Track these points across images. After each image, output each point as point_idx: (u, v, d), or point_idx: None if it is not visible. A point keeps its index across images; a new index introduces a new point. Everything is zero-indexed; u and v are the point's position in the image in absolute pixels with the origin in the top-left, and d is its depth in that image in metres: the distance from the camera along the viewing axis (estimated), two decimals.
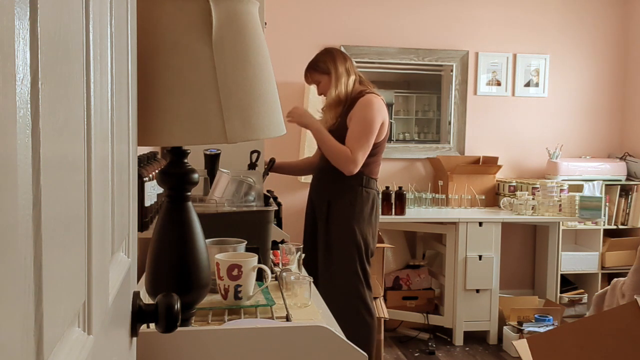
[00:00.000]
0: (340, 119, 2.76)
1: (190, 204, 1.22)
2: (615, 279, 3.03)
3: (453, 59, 4.61)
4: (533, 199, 4.17)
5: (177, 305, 0.81)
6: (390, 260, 4.15)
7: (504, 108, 4.74)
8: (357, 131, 2.69)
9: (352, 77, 2.77)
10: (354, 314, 2.74)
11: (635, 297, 1.78)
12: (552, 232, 4.34)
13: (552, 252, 4.35)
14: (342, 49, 4.43)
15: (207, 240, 1.32)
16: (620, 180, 4.56)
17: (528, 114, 4.77)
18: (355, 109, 2.71)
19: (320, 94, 2.89)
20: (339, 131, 2.75)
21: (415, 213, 4.08)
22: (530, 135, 4.77)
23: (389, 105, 4.66)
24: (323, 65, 2.79)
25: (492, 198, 4.48)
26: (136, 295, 0.81)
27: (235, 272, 1.47)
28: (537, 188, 4.23)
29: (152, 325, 0.93)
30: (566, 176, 4.45)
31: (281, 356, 1.16)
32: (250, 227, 1.78)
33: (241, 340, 1.15)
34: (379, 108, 2.73)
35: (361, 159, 2.68)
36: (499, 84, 4.71)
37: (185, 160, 1.21)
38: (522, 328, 3.74)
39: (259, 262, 1.54)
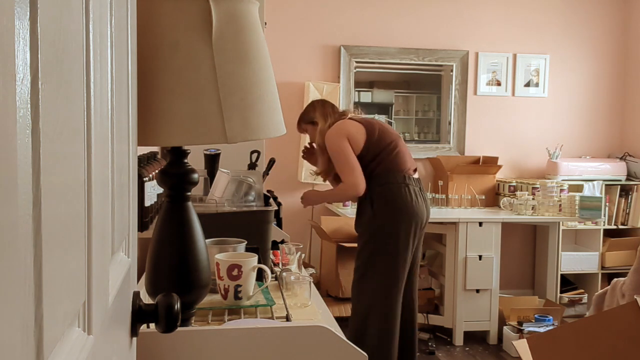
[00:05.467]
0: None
1: (190, 204, 1.22)
2: (615, 279, 3.03)
3: (453, 59, 4.61)
4: (533, 199, 4.17)
5: (177, 305, 0.81)
6: None
7: (504, 108, 4.74)
8: (336, 162, 2.87)
9: (329, 121, 2.94)
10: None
11: (635, 297, 1.78)
12: (552, 232, 4.34)
13: (552, 252, 4.35)
14: (342, 49, 4.44)
15: (207, 240, 1.32)
16: (620, 180, 4.56)
17: (528, 114, 4.77)
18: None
19: (312, 141, 3.08)
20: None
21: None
22: (530, 135, 4.77)
23: (389, 105, 4.67)
24: (306, 116, 3.01)
25: (492, 198, 4.48)
26: (136, 295, 0.81)
27: (235, 272, 1.47)
28: (537, 188, 4.23)
29: (152, 325, 0.93)
30: (566, 176, 4.45)
31: (281, 356, 1.16)
32: (250, 227, 1.78)
33: (241, 340, 1.15)
34: (335, 134, 2.86)
35: (355, 179, 2.80)
36: (499, 84, 4.71)
37: (185, 160, 1.21)
38: (522, 328, 3.73)
39: (259, 262, 1.54)
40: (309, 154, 3.13)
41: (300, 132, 3.14)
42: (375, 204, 2.81)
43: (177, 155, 1.20)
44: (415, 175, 2.95)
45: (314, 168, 3.20)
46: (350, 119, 2.94)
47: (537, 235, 4.69)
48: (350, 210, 4.04)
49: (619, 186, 4.56)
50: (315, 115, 2.96)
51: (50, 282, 0.36)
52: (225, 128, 1.05)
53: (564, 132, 4.81)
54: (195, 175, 1.21)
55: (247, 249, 1.61)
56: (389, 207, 2.80)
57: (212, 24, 1.05)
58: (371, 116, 4.62)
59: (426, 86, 4.72)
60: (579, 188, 4.31)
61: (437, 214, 4.10)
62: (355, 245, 3.68)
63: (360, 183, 2.79)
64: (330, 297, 4.00)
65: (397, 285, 2.83)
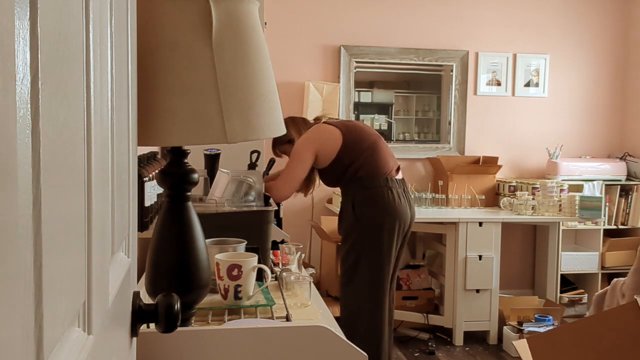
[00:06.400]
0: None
1: (190, 204, 1.22)
2: (615, 279, 3.03)
3: (453, 59, 4.61)
4: (533, 199, 4.17)
5: (177, 305, 0.81)
6: None
7: (504, 108, 4.74)
8: (287, 166, 2.81)
9: (304, 134, 2.88)
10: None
11: (635, 297, 1.78)
12: (552, 232, 4.34)
13: (552, 252, 4.35)
14: (342, 49, 4.44)
15: (207, 240, 1.32)
16: (620, 180, 4.56)
17: (528, 114, 4.77)
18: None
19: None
20: (326, 171, 2.86)
21: (415, 213, 4.07)
22: (530, 135, 4.77)
23: (389, 105, 4.67)
24: (281, 137, 2.88)
25: (492, 198, 4.48)
26: (136, 295, 0.81)
27: (235, 272, 1.47)
28: (537, 188, 4.23)
29: (152, 325, 0.93)
30: (566, 176, 4.45)
31: (281, 356, 1.16)
32: (250, 227, 1.78)
33: (241, 340, 1.15)
34: (305, 139, 2.81)
35: (285, 187, 2.76)
36: (499, 84, 4.71)
37: (185, 160, 1.21)
38: (522, 328, 3.73)
39: (259, 262, 1.54)
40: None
41: (276, 156, 3.06)
42: (356, 208, 2.76)
43: (177, 155, 1.20)
44: (399, 176, 2.89)
45: None
46: (325, 122, 2.89)
47: (537, 235, 4.70)
48: None
49: (619, 186, 4.56)
50: (290, 133, 2.89)
51: (50, 282, 0.36)
52: (225, 128, 1.05)
53: (564, 132, 4.81)
54: (195, 175, 1.21)
55: (247, 249, 1.61)
56: (371, 211, 2.76)
57: (212, 24, 1.05)
58: (371, 116, 4.63)
59: (426, 86, 4.73)
60: (579, 188, 4.31)
61: (437, 214, 4.10)
62: None
63: (285, 195, 2.76)
64: (330, 297, 4.00)
65: (382, 287, 2.80)
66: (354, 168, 2.78)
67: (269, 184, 2.77)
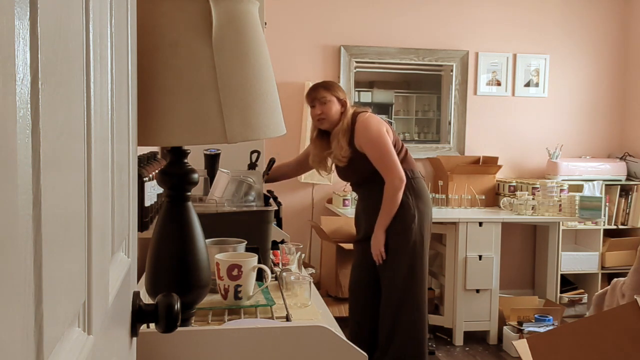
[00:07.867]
0: (350, 147, 2.85)
1: (190, 204, 1.22)
2: (615, 279, 3.03)
3: (453, 59, 4.61)
4: (533, 199, 4.17)
5: (177, 305, 0.81)
6: None
7: (504, 108, 4.74)
8: (377, 156, 2.82)
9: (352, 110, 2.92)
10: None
11: (635, 297, 1.78)
12: (552, 232, 4.34)
13: (552, 252, 4.35)
14: (342, 49, 4.44)
15: (207, 240, 1.32)
16: (620, 180, 4.56)
17: (528, 114, 4.77)
18: (359, 136, 2.83)
19: (319, 113, 2.85)
20: (356, 159, 2.85)
21: None
22: (530, 135, 4.77)
23: (389, 105, 4.66)
24: (339, 91, 2.89)
25: (492, 198, 4.48)
26: (136, 295, 0.81)
27: (235, 272, 1.47)
28: (537, 188, 4.23)
29: (152, 325, 0.93)
30: (566, 176, 4.45)
31: (281, 356, 1.16)
32: (250, 227, 1.78)
33: (241, 340, 1.15)
34: (375, 123, 2.86)
35: (397, 171, 2.81)
36: (499, 84, 4.71)
37: (185, 160, 1.21)
38: (522, 328, 3.73)
39: (259, 262, 1.54)
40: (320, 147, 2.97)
41: (312, 101, 2.86)
42: (410, 197, 2.88)
43: (177, 155, 1.20)
44: None
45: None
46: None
47: (537, 235, 4.69)
48: (350, 210, 4.03)
49: (619, 186, 4.56)
50: (344, 97, 2.88)
51: (50, 282, 0.36)
52: (225, 128, 1.05)
53: (564, 132, 4.81)
54: (195, 175, 1.21)
55: (247, 249, 1.61)
56: (420, 200, 2.93)
57: (212, 24, 1.05)
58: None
59: (426, 86, 4.72)
60: (579, 188, 4.31)
61: (437, 214, 4.09)
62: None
63: (400, 177, 2.81)
64: (330, 297, 4.00)
65: (425, 276, 2.97)
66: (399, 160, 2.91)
67: (387, 193, 2.79)
